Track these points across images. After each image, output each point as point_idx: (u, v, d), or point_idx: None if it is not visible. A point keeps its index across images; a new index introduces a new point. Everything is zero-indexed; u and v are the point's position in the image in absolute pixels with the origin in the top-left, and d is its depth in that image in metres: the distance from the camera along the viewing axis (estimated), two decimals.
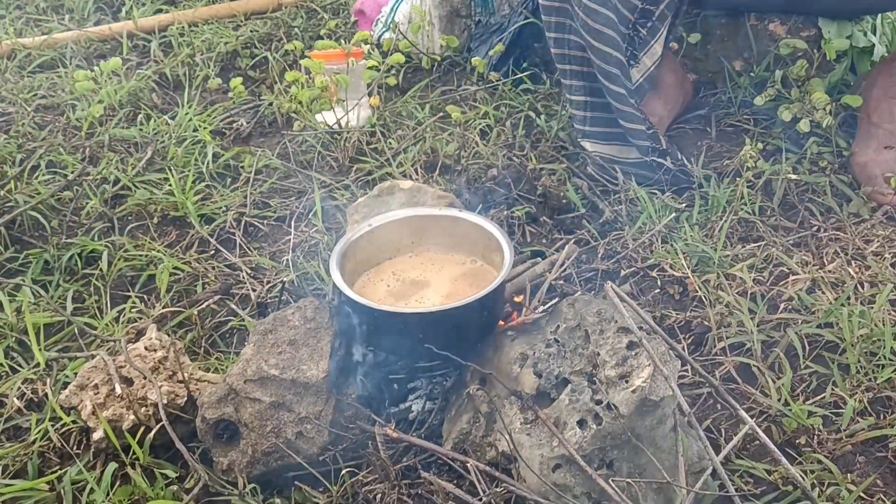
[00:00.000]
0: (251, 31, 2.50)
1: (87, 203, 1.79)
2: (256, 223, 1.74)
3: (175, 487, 1.19)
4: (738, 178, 1.69)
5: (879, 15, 2.03)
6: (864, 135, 1.78)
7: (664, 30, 1.72)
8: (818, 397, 1.29)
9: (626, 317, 1.05)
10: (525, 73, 2.08)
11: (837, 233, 1.61)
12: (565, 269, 1.50)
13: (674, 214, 1.63)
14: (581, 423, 1.07)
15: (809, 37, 1.98)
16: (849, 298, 1.42)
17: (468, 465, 1.07)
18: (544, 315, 1.24)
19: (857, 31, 1.99)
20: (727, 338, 1.38)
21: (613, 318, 1.13)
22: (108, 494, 1.19)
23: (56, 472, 1.24)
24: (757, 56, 2.01)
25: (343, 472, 1.18)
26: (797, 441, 1.21)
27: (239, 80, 2.17)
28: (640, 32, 1.70)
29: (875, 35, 2.02)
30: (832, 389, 1.29)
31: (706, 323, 1.42)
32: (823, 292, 1.46)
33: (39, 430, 1.30)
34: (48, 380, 1.37)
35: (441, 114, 2.00)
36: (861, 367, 1.31)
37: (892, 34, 2.06)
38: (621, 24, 1.65)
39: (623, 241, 1.60)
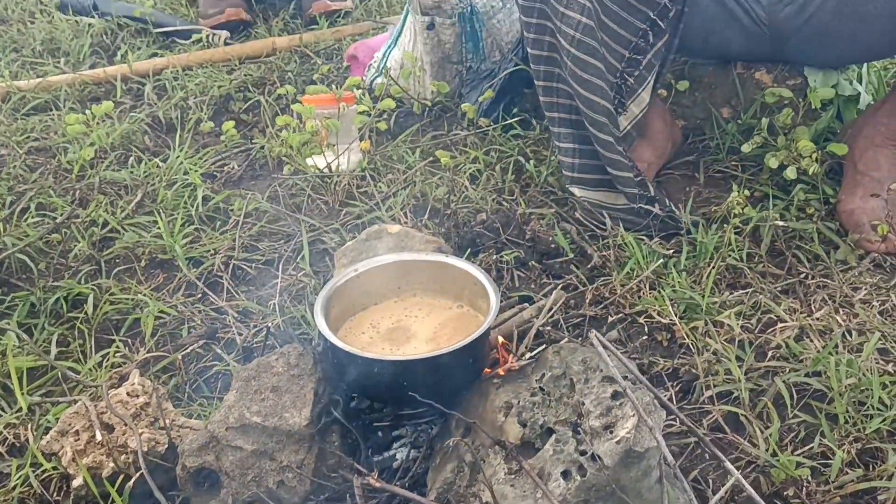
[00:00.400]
0: (245, 75, 2.52)
1: (75, 245, 1.78)
2: (244, 266, 1.74)
3: None
4: (725, 225, 1.70)
5: (865, 64, 2.06)
6: (851, 182, 1.79)
7: (651, 78, 1.74)
8: (806, 448, 1.27)
9: (610, 366, 1.04)
10: (515, 119, 2.10)
11: (825, 280, 1.61)
12: (553, 315, 1.50)
13: (662, 260, 1.63)
14: (565, 475, 1.05)
15: (795, 85, 2.00)
16: (836, 347, 1.42)
17: None
18: (530, 362, 1.23)
19: (842, 80, 2.02)
20: (715, 386, 1.37)
21: (599, 367, 1.13)
22: None
23: None
24: (744, 103, 2.03)
25: None
26: (785, 493, 1.20)
27: (231, 123, 2.19)
28: (628, 81, 1.72)
29: (861, 84, 2.05)
30: (820, 440, 1.27)
31: (694, 370, 1.41)
32: (811, 340, 1.46)
33: (20, 476, 1.28)
34: (30, 425, 1.35)
35: (431, 158, 2.01)
36: (849, 416, 1.30)
37: (878, 83, 2.09)
38: (609, 73, 1.67)
39: (611, 287, 1.60)
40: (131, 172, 2.04)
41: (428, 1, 2.21)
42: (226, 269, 1.72)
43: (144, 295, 1.63)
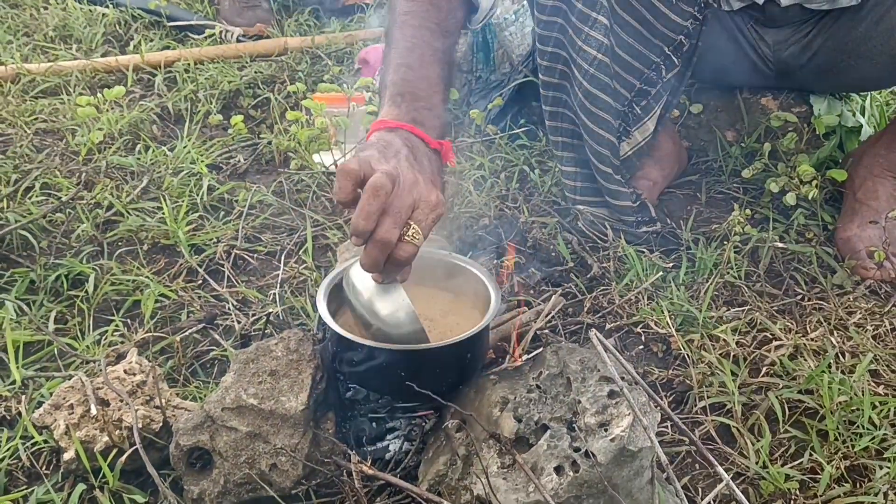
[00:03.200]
0: (255, 73, 2.54)
1: (78, 226, 1.79)
2: (246, 256, 1.75)
3: None
4: (725, 243, 1.72)
5: (868, 95, 2.09)
6: (849, 210, 1.82)
7: (658, 108, 1.75)
8: (796, 462, 1.28)
9: (608, 365, 1.05)
10: (522, 129, 2.12)
11: (821, 302, 1.63)
12: (551, 320, 1.51)
13: (661, 273, 1.64)
14: (558, 470, 1.06)
15: (800, 112, 2.03)
16: (830, 366, 1.43)
17: None
18: (528, 362, 1.24)
19: (846, 111, 2.05)
20: (708, 397, 1.38)
21: (596, 368, 1.14)
22: None
23: (22, 491, 1.22)
24: (748, 128, 2.06)
25: None
26: None
27: (240, 117, 2.20)
28: (635, 109, 1.73)
29: (863, 115, 2.08)
30: (810, 455, 1.29)
31: (688, 382, 1.42)
32: (805, 359, 1.47)
33: (9, 448, 1.28)
34: (23, 398, 1.35)
35: None
36: (839, 434, 1.31)
37: (880, 116, 2.12)
38: (617, 102, 1.68)
39: (609, 297, 1.61)
40: (138, 159, 2.05)
41: None
42: (227, 257, 1.73)
43: (145, 277, 1.63)
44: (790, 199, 1.84)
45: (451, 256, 1.40)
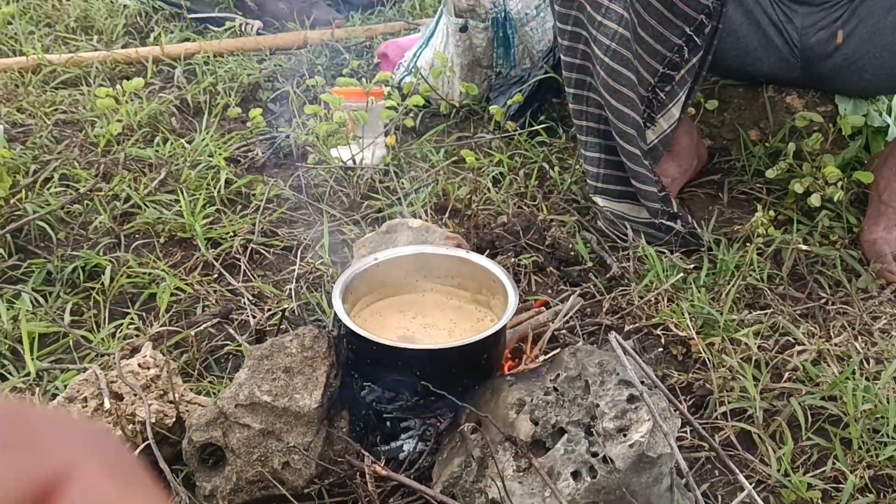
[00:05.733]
0: (275, 66, 2.53)
1: (95, 218, 1.79)
2: (263, 251, 1.74)
3: None
4: (748, 244, 1.69)
5: (895, 96, 2.05)
6: (874, 213, 1.78)
7: (683, 94, 1.73)
8: (818, 470, 1.26)
9: (628, 369, 1.03)
10: (542, 126, 2.09)
11: (845, 307, 1.59)
12: (569, 321, 1.49)
13: (681, 275, 1.62)
14: (575, 475, 1.04)
15: (826, 112, 1.99)
16: (854, 373, 1.40)
17: None
18: (545, 363, 1.22)
19: (872, 111, 2.01)
20: (729, 402, 1.35)
21: (615, 371, 1.11)
22: None
23: None
24: (773, 127, 2.02)
25: None
26: None
27: (259, 111, 2.19)
28: (659, 95, 1.71)
29: (890, 116, 2.04)
30: (833, 463, 1.26)
31: (708, 386, 1.39)
32: (828, 365, 1.44)
33: None
34: (37, 390, 1.35)
35: (455, 158, 2.01)
36: (863, 442, 1.28)
37: None
38: (641, 86, 1.66)
39: (629, 298, 1.59)
40: (156, 151, 2.05)
41: (462, 3, 2.22)
42: (244, 251, 1.72)
43: (162, 270, 1.63)
44: (815, 200, 1.80)
45: (469, 254, 1.38)
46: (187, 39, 2.72)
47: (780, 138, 1.99)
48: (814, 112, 1.96)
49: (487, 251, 1.69)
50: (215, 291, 1.61)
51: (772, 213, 1.75)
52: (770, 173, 1.91)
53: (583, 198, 1.87)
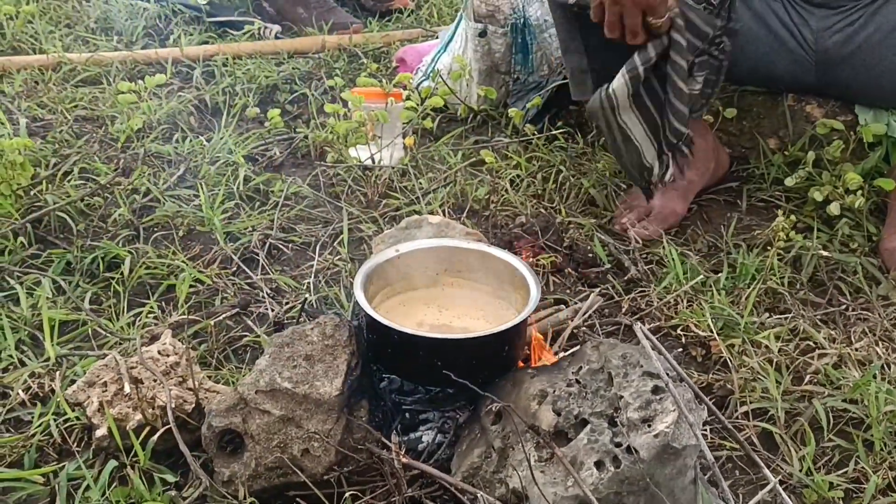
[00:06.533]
0: (293, 69, 2.55)
1: (115, 211, 1.79)
2: (281, 246, 1.74)
3: (173, 493, 1.15)
4: (768, 249, 1.68)
5: None
6: (895, 221, 1.77)
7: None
8: (840, 471, 1.25)
9: (653, 359, 1.03)
10: (559, 131, 2.10)
11: (866, 313, 1.59)
12: (588, 319, 1.48)
13: (701, 277, 1.61)
14: (599, 465, 1.03)
15: (846, 121, 1.99)
16: (875, 376, 1.39)
17: (478, 496, 1.04)
18: (566, 357, 1.22)
19: (893, 122, 2.00)
20: (750, 403, 1.34)
21: (639, 363, 1.11)
22: (104, 493, 1.15)
23: (53, 466, 1.21)
24: (792, 135, 2.02)
25: (346, 494, 1.14)
26: None
27: (277, 111, 2.20)
28: None
29: None
30: (855, 465, 1.25)
31: (728, 386, 1.38)
32: (850, 368, 1.43)
33: (41, 424, 1.28)
34: (56, 374, 1.35)
35: (473, 160, 2.01)
36: (885, 444, 1.27)
37: None
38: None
39: (648, 299, 1.58)
40: (175, 148, 2.05)
41: (482, 9, 2.23)
42: (262, 246, 1.72)
43: (181, 262, 1.63)
44: (834, 208, 1.80)
45: (491, 249, 1.38)
46: (206, 42, 2.73)
47: (800, 147, 1.99)
48: (834, 121, 1.95)
49: (506, 251, 1.69)
50: (234, 284, 1.61)
51: (792, 218, 1.74)
52: (789, 181, 1.91)
53: (601, 204, 1.87)
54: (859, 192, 1.79)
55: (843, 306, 1.60)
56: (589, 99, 1.69)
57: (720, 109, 2.06)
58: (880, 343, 1.50)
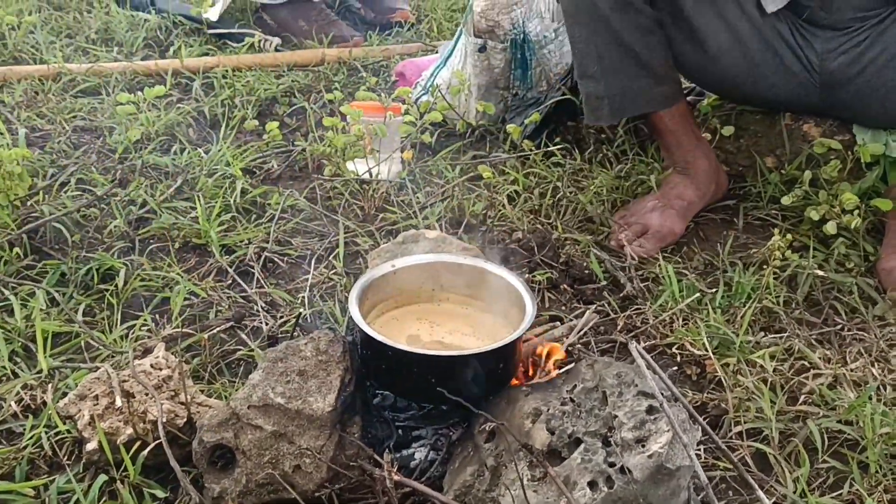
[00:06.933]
0: (292, 81, 2.55)
1: (111, 222, 1.79)
2: (276, 259, 1.73)
3: None
4: (763, 268, 1.68)
5: None
6: (892, 241, 1.77)
7: None
8: (835, 493, 1.24)
9: (648, 379, 1.02)
10: (557, 147, 2.10)
11: (861, 333, 1.58)
12: (584, 336, 1.48)
13: (697, 295, 1.61)
14: (592, 485, 1.03)
15: (843, 141, 1.99)
16: (871, 398, 1.38)
17: None
18: (561, 375, 1.21)
19: (891, 142, 2.00)
20: (744, 423, 1.34)
21: (634, 382, 1.10)
22: None
23: (43, 479, 1.20)
24: (789, 154, 2.02)
25: None
26: None
27: (275, 124, 2.20)
28: None
29: None
30: (850, 487, 1.24)
31: (723, 406, 1.38)
32: (845, 389, 1.43)
33: (32, 437, 1.27)
34: (49, 386, 1.34)
35: (470, 175, 2.01)
36: (881, 466, 1.27)
37: None
38: None
39: (643, 317, 1.58)
40: (173, 159, 2.05)
41: (482, 24, 2.23)
42: (258, 259, 1.72)
43: (176, 275, 1.62)
44: (831, 227, 1.80)
45: (487, 264, 1.38)
46: (206, 54, 2.74)
47: (797, 166, 1.99)
48: (832, 140, 1.95)
49: (502, 265, 1.68)
50: (228, 297, 1.61)
51: (788, 237, 1.74)
52: (786, 200, 1.91)
53: (598, 218, 1.87)
54: (856, 212, 1.78)
55: (839, 326, 1.60)
56: (603, 124, 1.73)
57: (718, 127, 2.07)
58: (876, 364, 1.50)
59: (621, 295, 1.65)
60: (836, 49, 1.77)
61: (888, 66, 1.72)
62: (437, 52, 2.62)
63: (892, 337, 1.57)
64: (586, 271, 1.71)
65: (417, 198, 1.93)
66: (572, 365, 1.30)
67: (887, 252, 1.76)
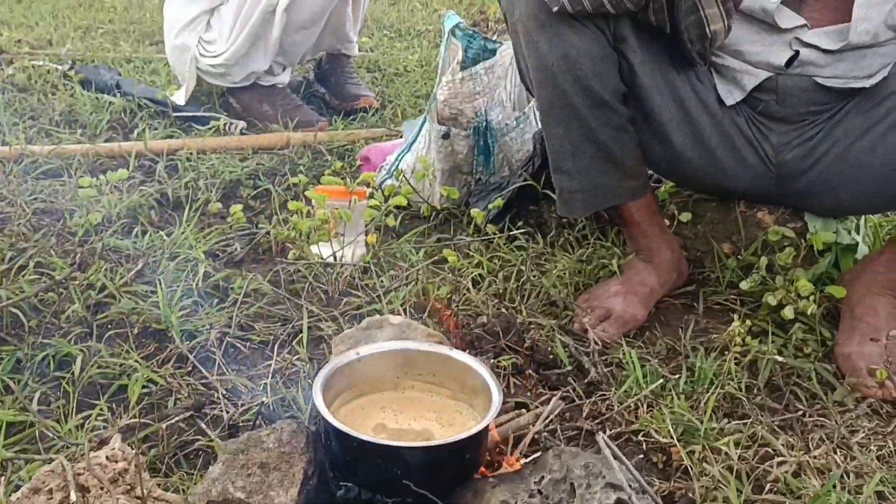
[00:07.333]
0: (257, 164, 2.57)
1: (69, 307, 1.76)
2: (238, 345, 1.71)
3: None
4: (725, 353, 1.70)
5: (863, 216, 2.12)
6: (848, 327, 1.81)
7: None
8: None
9: (616, 471, 1.02)
10: (521, 231, 2.13)
11: (823, 419, 1.60)
12: (549, 424, 1.47)
13: (661, 381, 1.62)
14: None
15: (796, 228, 2.05)
16: (835, 486, 1.39)
17: None
18: (528, 465, 1.20)
19: (842, 229, 2.07)
20: None
21: (601, 474, 1.10)
22: None
23: None
24: (745, 241, 2.07)
25: None
26: None
27: (239, 206, 2.20)
28: None
29: (858, 234, 2.10)
30: None
31: (690, 495, 1.37)
32: (809, 478, 1.43)
33: None
34: (1, 479, 1.29)
35: (435, 259, 2.03)
36: None
37: (874, 236, 2.15)
38: None
39: (608, 403, 1.58)
40: (134, 242, 2.04)
41: (445, 112, 2.28)
42: (219, 345, 1.69)
43: (134, 361, 1.59)
44: (788, 312, 1.83)
45: (452, 352, 1.38)
46: (171, 136, 2.75)
47: (753, 252, 2.04)
48: (785, 228, 2.01)
49: (467, 351, 1.68)
50: (188, 384, 1.57)
51: (748, 323, 1.77)
52: (744, 285, 1.95)
53: (562, 302, 1.89)
54: (811, 298, 1.83)
55: (800, 412, 1.61)
56: (577, 217, 1.77)
57: (675, 214, 2.12)
58: (838, 451, 1.51)
59: (586, 380, 1.65)
60: (790, 142, 1.84)
61: (839, 159, 1.80)
62: (401, 137, 2.66)
63: (853, 423, 1.58)
64: (551, 356, 1.71)
65: (382, 281, 1.93)
66: (539, 454, 1.29)
67: (843, 337, 1.79)
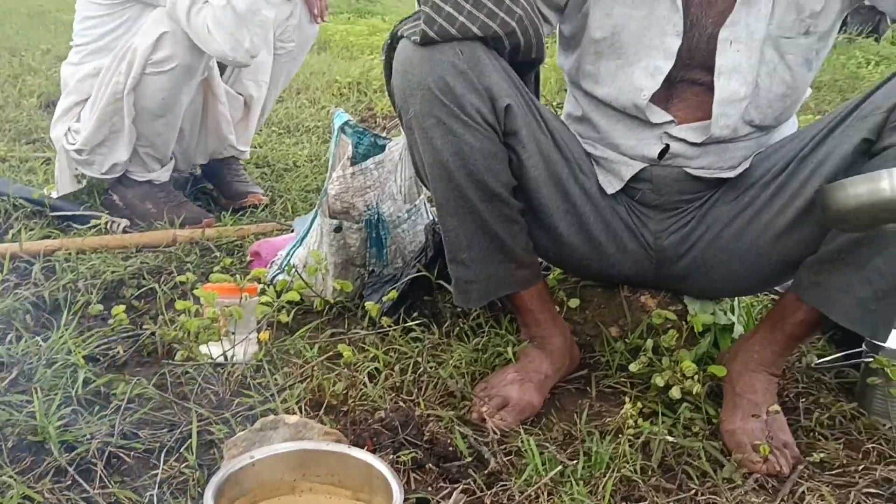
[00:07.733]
0: (141, 263, 2.49)
1: None
2: (122, 454, 1.62)
3: None
4: (619, 436, 1.73)
5: (737, 298, 2.24)
6: (731, 404, 1.89)
7: None
8: None
9: None
10: (415, 323, 2.13)
11: (714, 497, 1.64)
12: None
13: (559, 468, 1.63)
14: None
15: (677, 311, 2.14)
16: None
17: None
18: None
19: (718, 311, 2.18)
20: None
21: None
22: None
23: None
24: (631, 324, 2.15)
25: None
26: None
27: (122, 308, 2.12)
28: None
29: (734, 315, 2.22)
30: None
31: None
32: None
33: None
34: None
35: (329, 354, 2.00)
36: None
37: (748, 316, 2.27)
38: None
39: (510, 493, 1.57)
40: (8, 349, 1.92)
41: (337, 206, 2.30)
42: (101, 456, 1.60)
43: (9, 478, 1.48)
44: (675, 392, 1.90)
45: (350, 450, 1.35)
46: (48, 236, 2.65)
47: (639, 335, 2.11)
48: (667, 311, 2.10)
49: (365, 448, 1.65)
50: (68, 500, 1.47)
51: (638, 405, 1.82)
52: (633, 367, 2.01)
53: (459, 392, 1.89)
54: (695, 377, 1.90)
55: (693, 491, 1.65)
56: (473, 307, 1.81)
57: (564, 299, 2.18)
58: None
59: (486, 471, 1.64)
60: (667, 229, 1.95)
61: (711, 244, 1.92)
62: (292, 231, 2.65)
63: (742, 499, 1.63)
64: (451, 448, 1.70)
65: (275, 379, 1.88)
66: None
67: (727, 415, 1.86)
